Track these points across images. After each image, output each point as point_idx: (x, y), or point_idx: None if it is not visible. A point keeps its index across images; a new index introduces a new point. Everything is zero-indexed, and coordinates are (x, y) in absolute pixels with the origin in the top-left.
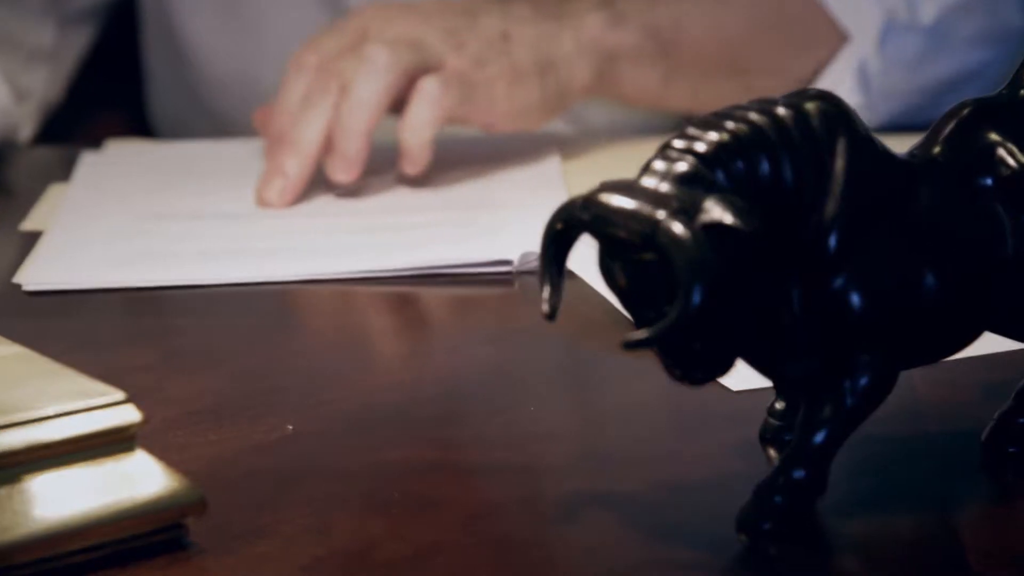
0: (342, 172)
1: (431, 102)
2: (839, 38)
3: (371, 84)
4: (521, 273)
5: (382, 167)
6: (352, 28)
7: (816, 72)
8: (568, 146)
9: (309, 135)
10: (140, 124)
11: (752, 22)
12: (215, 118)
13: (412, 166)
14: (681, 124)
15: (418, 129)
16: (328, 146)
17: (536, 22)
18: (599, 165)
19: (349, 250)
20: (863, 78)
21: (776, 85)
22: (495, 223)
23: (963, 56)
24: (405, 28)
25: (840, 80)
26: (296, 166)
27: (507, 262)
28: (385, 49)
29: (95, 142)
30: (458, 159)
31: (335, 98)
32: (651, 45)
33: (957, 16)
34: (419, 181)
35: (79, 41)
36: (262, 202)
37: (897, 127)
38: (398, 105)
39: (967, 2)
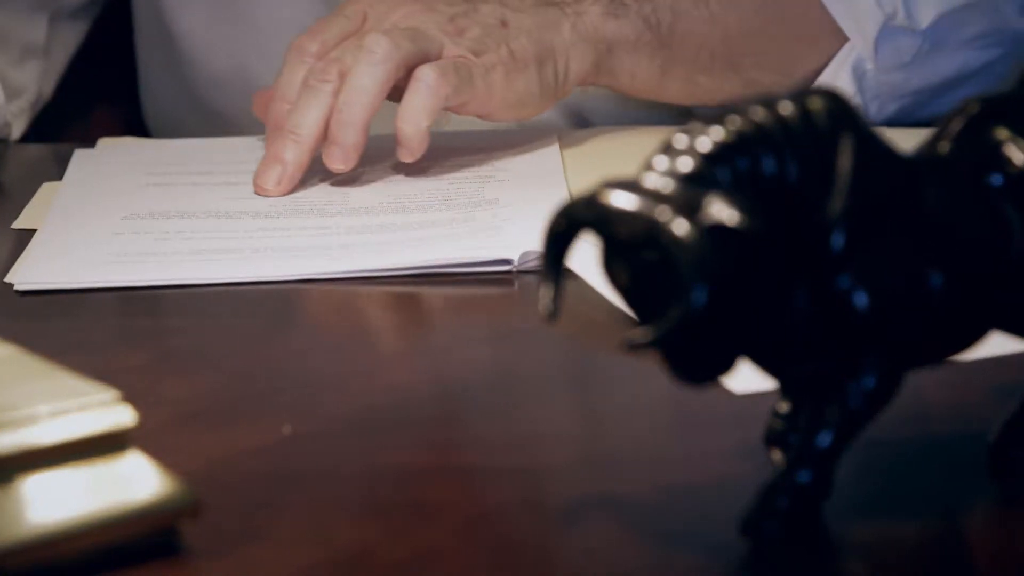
0: (339, 161)
1: (427, 90)
2: (840, 38)
3: (369, 74)
4: (521, 273)
5: (379, 166)
6: (352, 15)
7: (817, 70)
8: (569, 143)
9: (307, 123)
10: (134, 121)
11: (752, 18)
12: (210, 115)
13: (408, 154)
14: (683, 120)
15: (414, 117)
16: (326, 135)
17: (535, 10)
18: (600, 162)
19: (347, 249)
20: (859, 78)
21: (775, 81)
22: (495, 222)
23: (961, 58)
24: (405, 15)
25: (837, 78)
26: (294, 154)
27: (507, 261)
28: (384, 39)
29: (88, 140)
30: (457, 157)
31: (335, 86)
32: (649, 36)
33: (956, 19)
34: (417, 180)
35: (71, 37)
36: (259, 190)
37: (890, 125)
38: (398, 94)
39: (967, 4)
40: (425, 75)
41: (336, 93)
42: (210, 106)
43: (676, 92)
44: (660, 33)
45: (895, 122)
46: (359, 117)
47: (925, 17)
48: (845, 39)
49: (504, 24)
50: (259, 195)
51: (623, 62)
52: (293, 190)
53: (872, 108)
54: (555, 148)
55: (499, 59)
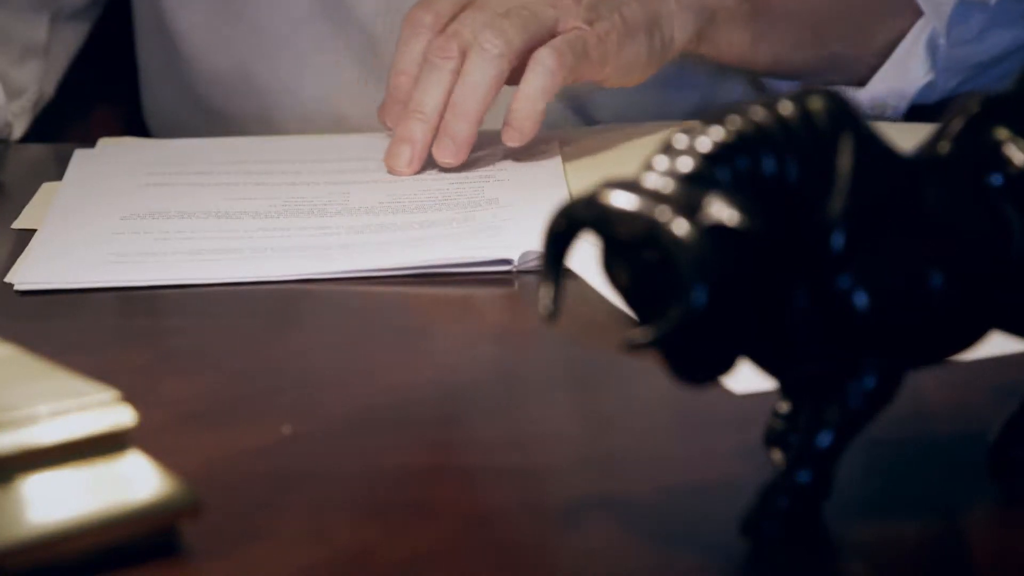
0: (450, 155)
1: (546, 73)
2: (913, 12)
3: (481, 70)
4: (521, 273)
5: (379, 166)
6: None
7: (891, 44)
8: (569, 143)
9: (431, 101)
10: (134, 121)
11: None
12: (210, 114)
13: (519, 137)
14: (687, 117)
15: (531, 98)
16: (441, 123)
17: None
18: (600, 162)
19: (347, 249)
20: (932, 52)
21: (854, 54)
22: (495, 222)
23: (1014, 32)
24: None
25: (913, 52)
26: (422, 132)
27: (507, 261)
28: (498, 37)
29: (89, 140)
30: None
31: (456, 63)
32: (747, 6)
33: None
34: (417, 180)
35: (72, 37)
36: (391, 170)
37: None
38: (517, 75)
39: None
40: (543, 58)
41: (457, 72)
42: (210, 106)
43: (762, 62)
44: (756, 4)
45: (951, 96)
46: (473, 110)
47: None
48: (918, 14)
49: None
50: (392, 174)
51: (722, 31)
52: (293, 189)
53: (941, 81)
54: (555, 148)
55: (612, 26)
